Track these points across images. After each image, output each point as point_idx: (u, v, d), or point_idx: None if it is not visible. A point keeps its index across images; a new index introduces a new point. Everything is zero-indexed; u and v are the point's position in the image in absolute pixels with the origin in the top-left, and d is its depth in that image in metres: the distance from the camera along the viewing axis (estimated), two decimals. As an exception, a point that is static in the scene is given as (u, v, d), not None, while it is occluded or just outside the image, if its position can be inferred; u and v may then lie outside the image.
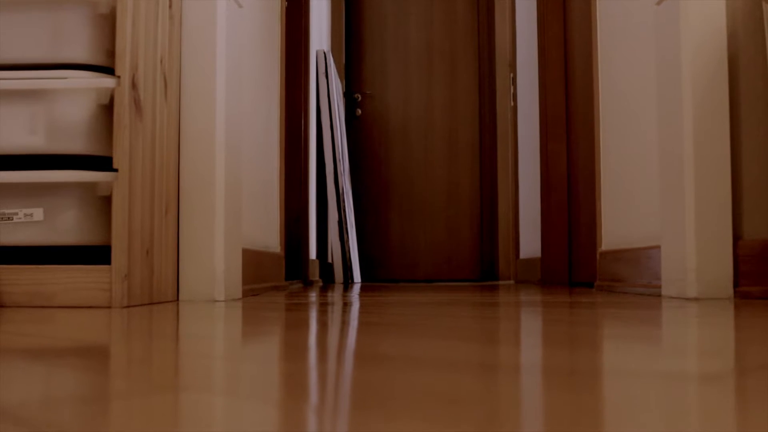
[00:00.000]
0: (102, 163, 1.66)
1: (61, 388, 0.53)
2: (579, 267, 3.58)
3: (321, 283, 4.15)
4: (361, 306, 1.69)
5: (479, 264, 5.54)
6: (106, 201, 1.65)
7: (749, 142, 1.99)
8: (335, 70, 4.78)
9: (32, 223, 1.65)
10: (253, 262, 2.37)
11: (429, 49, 5.61)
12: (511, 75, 4.88)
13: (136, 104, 1.67)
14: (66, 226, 1.65)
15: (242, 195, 2.24)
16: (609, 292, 2.49)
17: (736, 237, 1.96)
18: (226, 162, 1.99)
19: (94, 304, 1.59)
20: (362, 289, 3.22)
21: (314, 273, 4.07)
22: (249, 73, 2.48)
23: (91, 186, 1.64)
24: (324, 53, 4.50)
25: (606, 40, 2.88)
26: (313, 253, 4.15)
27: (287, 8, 3.49)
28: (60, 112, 1.65)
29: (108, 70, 1.68)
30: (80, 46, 1.67)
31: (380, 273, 5.50)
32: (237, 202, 2.10)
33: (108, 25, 1.69)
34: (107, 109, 1.67)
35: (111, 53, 1.68)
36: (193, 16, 2.00)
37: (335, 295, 2.37)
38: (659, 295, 2.10)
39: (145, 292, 1.71)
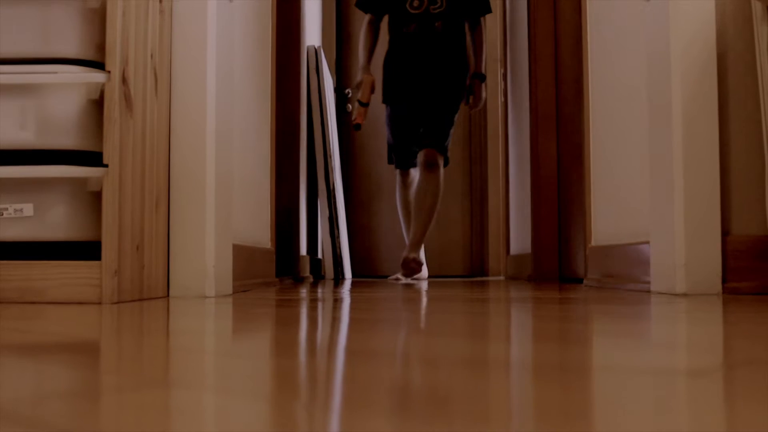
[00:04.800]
0: (92, 158, 1.66)
1: (51, 384, 0.53)
2: (569, 263, 3.59)
3: (312, 279, 4.15)
4: (352, 302, 1.69)
5: (470, 260, 5.55)
6: (96, 196, 1.64)
7: (738, 138, 2.00)
8: (327, 65, 4.77)
9: (22, 219, 1.64)
10: (244, 257, 2.37)
11: (420, 44, 5.61)
12: (502, 71, 4.89)
13: (127, 99, 1.67)
14: (56, 222, 1.64)
15: (233, 190, 2.24)
16: (598, 288, 2.50)
17: (725, 233, 1.97)
18: (217, 157, 1.99)
19: (84, 300, 1.59)
20: (353, 285, 3.22)
21: (305, 269, 4.07)
22: (240, 68, 2.48)
23: (81, 181, 1.64)
24: (315, 49, 4.49)
25: (596, 36, 2.88)
26: (303, 249, 4.15)
27: (278, 4, 3.49)
28: (50, 107, 1.64)
29: (98, 65, 1.67)
30: (70, 41, 1.67)
31: (371, 269, 5.50)
32: (228, 197, 2.10)
33: (98, 19, 1.68)
34: (97, 104, 1.66)
35: (101, 48, 1.68)
36: (183, 11, 1.99)
37: (326, 292, 2.37)
38: (648, 291, 2.11)
39: (135, 288, 1.71)
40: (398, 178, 3.99)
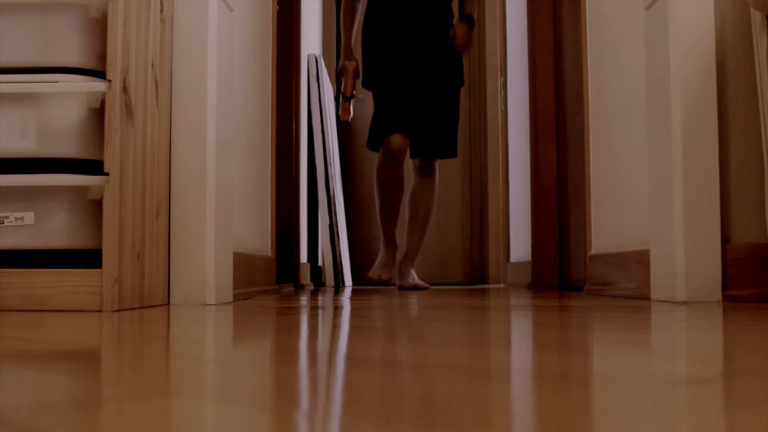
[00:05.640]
0: (93, 166, 1.66)
1: (52, 392, 0.53)
2: (569, 271, 3.59)
3: (312, 287, 4.15)
4: (352, 310, 1.69)
5: (469, 267, 5.55)
6: (97, 204, 1.65)
7: (737, 145, 2.00)
8: (327, 74, 4.78)
9: (23, 227, 1.64)
10: (244, 265, 2.37)
11: (420, 53, 5.61)
12: (502, 79, 4.90)
13: (127, 108, 1.67)
14: (57, 230, 1.64)
15: (233, 198, 2.24)
16: (599, 296, 2.50)
17: (725, 240, 1.97)
18: (217, 165, 1.99)
19: (85, 308, 1.59)
20: (353, 292, 3.22)
21: (305, 277, 4.07)
22: (240, 76, 2.48)
23: (82, 190, 1.64)
24: (315, 57, 4.50)
25: (595, 44, 2.89)
26: (304, 257, 4.15)
27: (279, 13, 3.50)
28: (51, 115, 1.65)
29: (99, 74, 1.68)
30: (71, 50, 1.67)
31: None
32: (228, 205, 2.10)
33: (99, 29, 1.69)
34: (98, 113, 1.66)
35: (102, 57, 1.68)
36: (184, 20, 2.00)
37: (326, 299, 2.37)
38: (648, 299, 2.11)
39: (136, 296, 1.71)
40: (383, 151, 3.25)
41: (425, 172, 3.42)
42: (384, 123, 3.24)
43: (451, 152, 3.41)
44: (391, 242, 3.47)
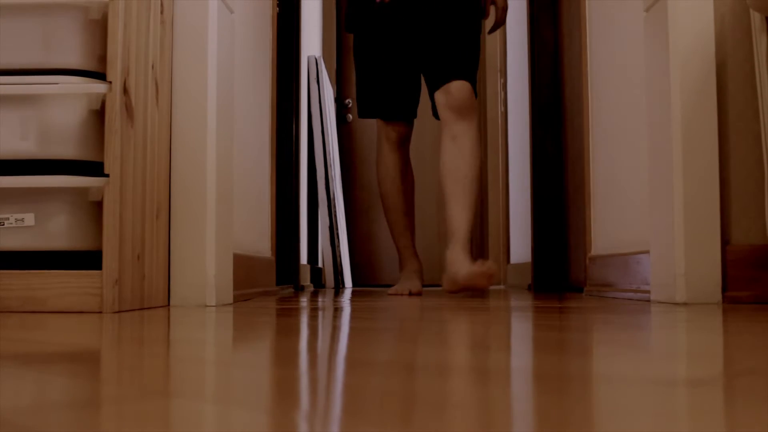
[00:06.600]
0: (93, 168, 1.66)
1: (52, 393, 0.53)
2: (569, 272, 3.59)
3: (312, 288, 4.15)
4: (352, 311, 1.70)
5: (470, 269, 5.54)
6: (97, 206, 1.65)
7: (737, 147, 2.00)
8: (327, 75, 4.78)
9: (23, 228, 1.64)
10: (244, 266, 2.37)
11: (420, 54, 5.61)
12: (502, 80, 4.90)
13: (128, 109, 1.67)
14: (57, 231, 1.64)
15: (233, 200, 2.24)
16: (598, 298, 2.50)
17: (725, 242, 1.97)
18: (218, 166, 1.99)
19: (85, 309, 1.59)
20: (353, 294, 3.22)
21: (305, 278, 4.07)
22: (240, 78, 2.49)
23: (82, 191, 1.64)
24: (315, 59, 4.50)
25: (596, 45, 2.89)
26: (304, 258, 4.15)
27: (279, 14, 3.50)
28: (51, 117, 1.65)
29: (99, 75, 1.68)
30: (72, 52, 1.67)
31: (371, 278, 5.50)
32: (228, 206, 2.10)
33: (99, 30, 1.69)
34: (98, 115, 1.66)
35: (102, 59, 1.68)
36: (184, 22, 2.00)
37: (326, 300, 2.37)
38: (648, 300, 2.11)
39: (136, 297, 1.71)
40: (382, 133, 2.71)
41: (462, 111, 2.54)
42: (384, 106, 2.69)
43: (471, 74, 2.60)
44: (410, 250, 2.81)
